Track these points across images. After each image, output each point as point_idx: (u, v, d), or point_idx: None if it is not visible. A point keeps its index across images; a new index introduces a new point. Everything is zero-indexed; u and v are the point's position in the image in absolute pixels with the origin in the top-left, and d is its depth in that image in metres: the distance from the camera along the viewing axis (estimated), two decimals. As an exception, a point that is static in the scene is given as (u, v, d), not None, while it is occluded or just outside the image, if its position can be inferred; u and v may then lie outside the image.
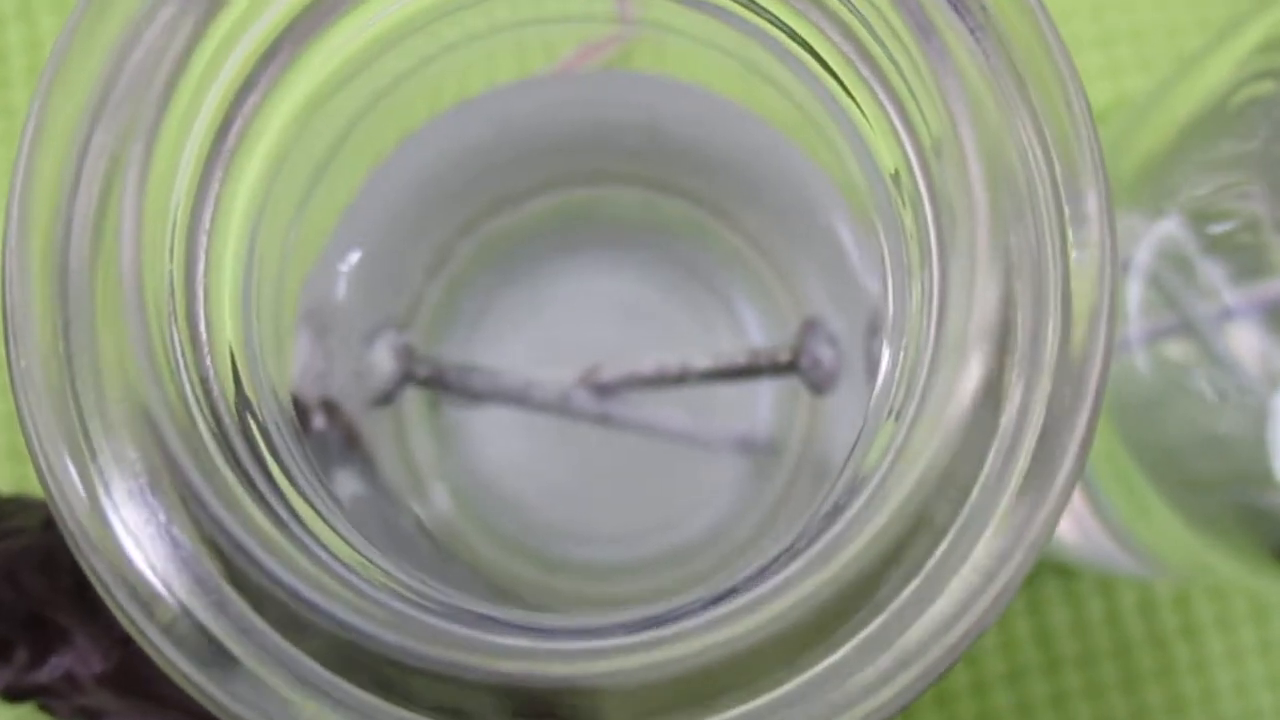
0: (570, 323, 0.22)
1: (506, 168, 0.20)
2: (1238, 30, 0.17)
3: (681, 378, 0.20)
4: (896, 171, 0.11)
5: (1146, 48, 0.26)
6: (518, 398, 0.20)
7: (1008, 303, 0.10)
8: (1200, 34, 0.26)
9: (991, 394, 0.10)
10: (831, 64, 0.12)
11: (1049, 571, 0.25)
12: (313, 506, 0.11)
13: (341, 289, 0.17)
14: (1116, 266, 0.10)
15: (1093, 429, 0.10)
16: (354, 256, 0.17)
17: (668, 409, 0.21)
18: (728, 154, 0.20)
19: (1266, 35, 0.17)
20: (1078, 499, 0.21)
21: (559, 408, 0.20)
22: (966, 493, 0.10)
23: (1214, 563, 0.19)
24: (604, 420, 0.21)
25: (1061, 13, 0.25)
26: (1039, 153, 0.10)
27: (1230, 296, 0.18)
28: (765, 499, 0.21)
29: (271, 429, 0.12)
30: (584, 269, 0.22)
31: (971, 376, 0.10)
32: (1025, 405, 0.10)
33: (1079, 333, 0.10)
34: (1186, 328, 0.18)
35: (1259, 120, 0.16)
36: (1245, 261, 0.17)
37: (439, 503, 0.21)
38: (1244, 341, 0.18)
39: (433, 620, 0.10)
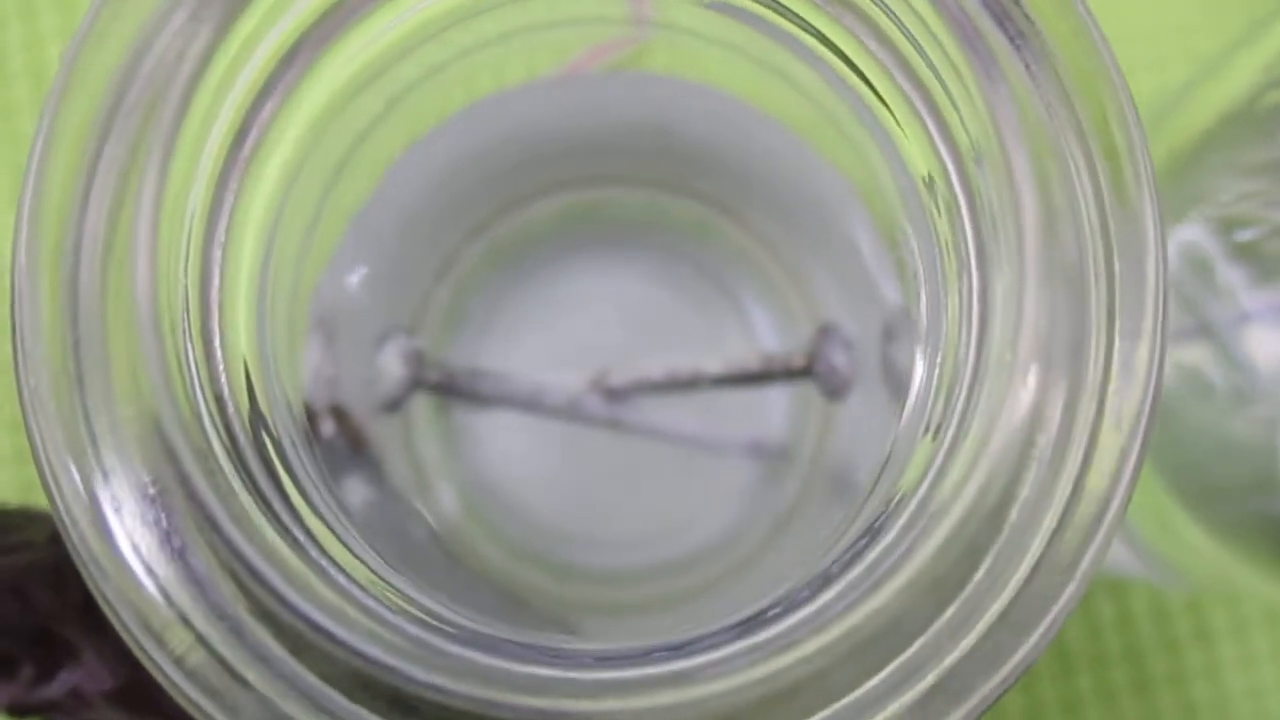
0: (579, 324, 0.21)
1: (515, 170, 0.19)
2: (1263, 32, 0.17)
3: (693, 383, 0.20)
4: (930, 177, 0.11)
5: (1159, 47, 0.26)
6: (527, 403, 0.20)
7: (1052, 318, 0.10)
8: (1213, 34, 0.26)
9: (1036, 413, 0.10)
10: (863, 69, 0.11)
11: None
12: (328, 526, 0.11)
13: (351, 294, 0.17)
14: (1167, 282, 0.10)
15: (1144, 450, 0.09)
16: (364, 261, 0.17)
17: (678, 413, 0.21)
18: (740, 155, 0.19)
19: (1295, 38, 0.16)
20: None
21: (569, 413, 0.20)
22: (1005, 516, 0.10)
23: (1234, 573, 0.18)
24: (614, 425, 0.20)
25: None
26: (1082, 164, 0.10)
27: (1248, 300, 0.18)
28: (777, 505, 0.21)
29: (285, 443, 0.12)
30: (592, 270, 0.21)
31: (1022, 396, 0.09)
32: (1067, 425, 0.10)
33: (1138, 351, 0.10)
34: (1205, 331, 0.18)
35: (1289, 127, 0.16)
36: (1268, 267, 0.17)
37: (447, 507, 0.21)
38: (1261, 345, 0.18)
39: (453, 647, 0.10)
